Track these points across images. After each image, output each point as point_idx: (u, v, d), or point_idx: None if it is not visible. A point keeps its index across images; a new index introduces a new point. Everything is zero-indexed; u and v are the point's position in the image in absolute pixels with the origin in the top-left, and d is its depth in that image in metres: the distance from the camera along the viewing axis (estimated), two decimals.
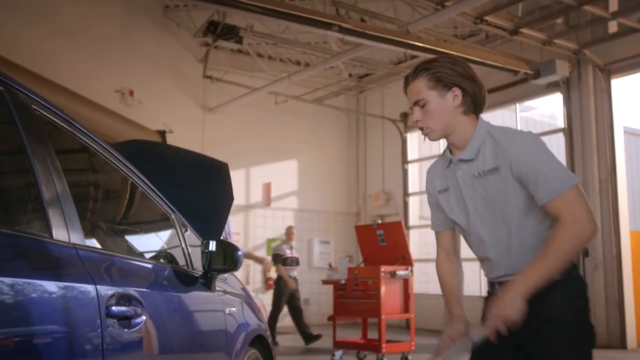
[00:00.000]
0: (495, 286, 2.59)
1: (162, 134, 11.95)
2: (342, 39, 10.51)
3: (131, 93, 12.33)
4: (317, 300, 14.80)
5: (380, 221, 10.28)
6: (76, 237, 2.28)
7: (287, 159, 14.81)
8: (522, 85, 12.39)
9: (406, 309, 9.08)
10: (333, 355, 9.12)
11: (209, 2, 8.91)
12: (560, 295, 2.41)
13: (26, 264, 1.97)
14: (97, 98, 10.35)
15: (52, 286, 2.02)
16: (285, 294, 11.46)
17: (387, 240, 9.42)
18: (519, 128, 13.33)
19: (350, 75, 15.74)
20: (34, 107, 2.35)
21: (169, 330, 2.89)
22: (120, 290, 2.41)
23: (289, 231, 12.08)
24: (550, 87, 12.19)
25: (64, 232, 2.22)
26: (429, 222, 2.85)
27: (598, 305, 10.99)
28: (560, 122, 12.44)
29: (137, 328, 2.48)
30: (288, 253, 11.63)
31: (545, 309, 2.40)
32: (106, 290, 2.31)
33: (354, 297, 9.04)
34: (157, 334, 2.71)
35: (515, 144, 2.43)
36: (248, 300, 4.21)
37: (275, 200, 14.85)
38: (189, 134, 12.98)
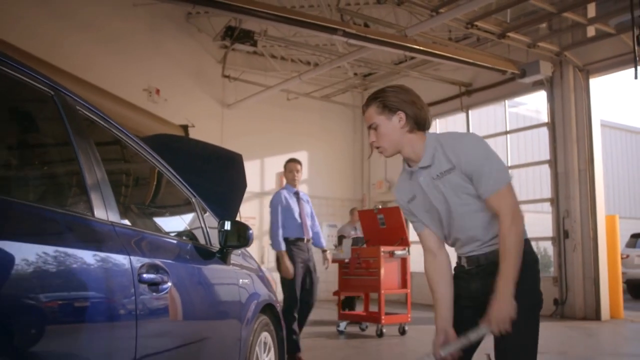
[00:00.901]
0: (462, 259, 2.82)
1: (185, 128, 12.07)
2: (347, 42, 10.64)
3: (157, 91, 12.48)
4: (325, 278, 14.83)
5: (381, 206, 10.42)
6: (113, 216, 2.50)
7: (298, 150, 14.89)
8: (510, 83, 12.48)
9: (404, 284, 9.25)
10: (338, 325, 9.31)
11: (227, 10, 9.05)
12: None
13: (74, 237, 2.18)
14: (128, 96, 10.49)
15: (95, 255, 2.24)
16: None
17: (387, 224, 9.57)
18: (507, 122, 13.55)
19: (355, 74, 15.78)
20: (77, 107, 2.56)
21: (190, 296, 3.10)
22: (149, 261, 2.63)
23: (353, 213, 11.68)
24: (536, 86, 12.28)
25: (103, 211, 2.43)
26: None
27: (576, 281, 11.18)
28: (545, 117, 12.50)
29: (163, 293, 2.69)
30: (353, 234, 11.03)
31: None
32: (138, 261, 2.53)
33: (357, 274, 9.20)
34: (180, 298, 2.93)
35: (463, 147, 2.66)
36: (259, 274, 4.39)
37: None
38: (209, 128, 13.08)
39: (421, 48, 10.59)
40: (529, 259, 2.66)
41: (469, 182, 2.65)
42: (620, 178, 24.36)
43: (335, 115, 16.28)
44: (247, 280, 3.99)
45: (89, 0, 11.68)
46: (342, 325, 9.28)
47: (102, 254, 2.28)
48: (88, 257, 2.19)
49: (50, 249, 1.99)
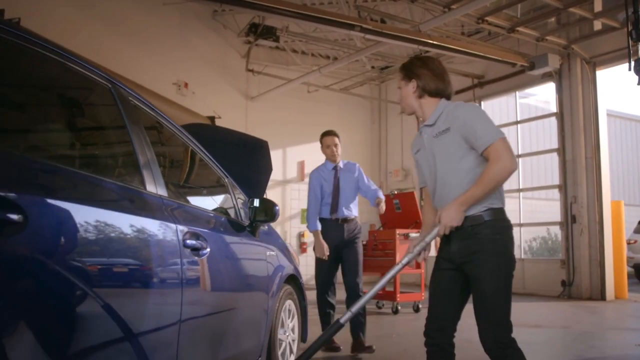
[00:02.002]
0: None
1: (212, 119, 12.35)
2: (364, 37, 10.91)
3: (186, 85, 12.82)
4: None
5: (396, 192, 10.70)
6: (161, 190, 2.84)
7: (318, 141, 15.19)
8: (520, 76, 12.67)
9: (417, 265, 9.54)
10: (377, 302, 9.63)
11: (252, 8, 9.36)
12: (484, 232, 2.95)
13: (133, 205, 2.53)
14: (159, 89, 10.79)
15: (148, 221, 2.59)
16: None
17: (402, 208, 9.88)
18: (518, 112, 13.73)
19: (372, 67, 15.99)
20: (130, 98, 2.92)
21: (225, 262, 3.45)
22: (191, 229, 2.97)
23: None
24: (545, 78, 12.46)
25: (153, 186, 2.78)
26: None
27: (583, 264, 11.40)
28: (553, 107, 12.69)
29: (203, 257, 3.04)
30: None
31: (473, 243, 2.97)
32: (182, 228, 2.88)
33: (374, 255, 9.49)
34: (217, 263, 3.28)
35: (460, 110, 3.03)
36: (284, 248, 4.74)
37: (308, 176, 15.14)
38: (234, 119, 13.36)
39: (435, 42, 10.83)
40: (503, 225, 3.00)
41: (461, 145, 2.99)
42: (627, 166, 24.40)
43: (353, 107, 16.52)
44: (273, 253, 4.33)
45: (122, 1, 12.04)
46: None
47: (154, 221, 2.64)
48: (143, 222, 2.55)
49: (114, 214, 2.35)
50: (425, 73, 3.17)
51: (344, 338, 5.64)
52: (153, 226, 2.62)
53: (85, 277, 2.10)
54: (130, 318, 2.34)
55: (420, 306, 9.32)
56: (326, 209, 6.13)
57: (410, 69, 3.23)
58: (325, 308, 6.08)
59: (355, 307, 3.24)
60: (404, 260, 3.16)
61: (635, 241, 15.77)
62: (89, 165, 2.59)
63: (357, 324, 5.84)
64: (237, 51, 14.42)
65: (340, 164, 6.25)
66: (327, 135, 6.29)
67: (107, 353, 2.24)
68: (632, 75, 7.13)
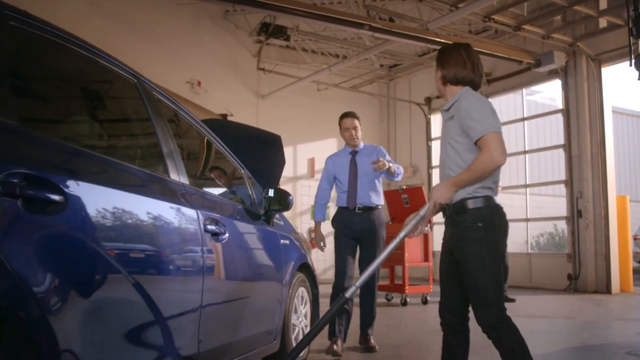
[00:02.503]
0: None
1: (224, 117, 12.48)
2: (373, 35, 11.05)
3: (199, 83, 12.98)
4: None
5: (405, 187, 10.82)
6: (183, 179, 3.01)
7: (328, 138, 15.18)
8: (527, 73, 12.76)
9: (426, 258, 9.69)
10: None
11: (264, 8, 9.53)
12: (466, 220, 3.14)
13: (158, 192, 2.70)
14: (172, 88, 10.94)
15: (172, 207, 2.76)
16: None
17: (410, 202, 9.99)
18: (525, 109, 13.83)
19: (381, 65, 16.08)
20: (153, 92, 3.09)
21: (242, 247, 3.62)
22: (211, 215, 3.15)
23: None
24: (551, 75, 12.55)
25: (176, 174, 2.95)
26: None
27: (589, 257, 11.51)
28: (560, 104, 12.79)
29: (223, 242, 3.21)
30: None
31: (458, 230, 3.17)
32: (203, 214, 3.05)
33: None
34: (235, 248, 3.45)
35: (465, 101, 3.19)
36: (297, 237, 4.90)
37: (318, 172, 15.10)
38: (245, 117, 13.38)
39: (442, 40, 10.93)
40: (487, 213, 3.16)
41: (459, 133, 3.17)
42: (633, 163, 24.42)
43: (362, 105, 16.57)
44: (287, 241, 4.49)
45: (137, 1, 12.22)
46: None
47: (178, 206, 2.81)
48: (168, 207, 2.73)
49: (143, 198, 2.54)
50: (449, 62, 3.34)
51: (352, 338, 5.66)
52: (177, 211, 2.79)
53: (116, 254, 2.28)
54: (155, 295, 2.51)
55: (428, 298, 9.44)
56: (343, 197, 5.58)
57: (440, 57, 3.42)
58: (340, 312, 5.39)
59: (360, 281, 3.38)
60: (402, 234, 3.35)
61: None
62: (120, 154, 2.76)
63: (367, 318, 5.59)
64: (248, 50, 14.53)
65: (360, 147, 5.67)
66: (346, 117, 5.66)
67: (136, 327, 2.41)
68: (634, 71, 7.21)
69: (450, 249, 3.24)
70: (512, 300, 9.29)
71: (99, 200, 2.22)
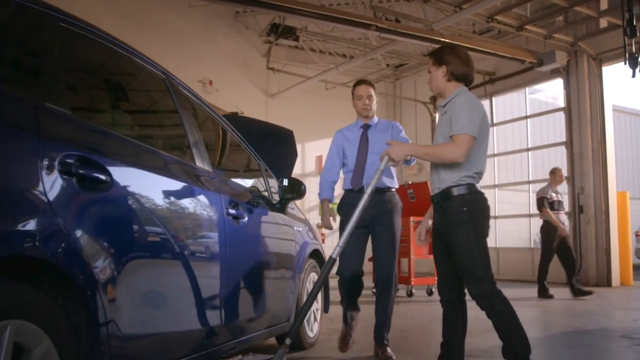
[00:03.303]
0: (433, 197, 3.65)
1: (235, 115, 12.73)
2: (379, 36, 11.28)
3: (210, 83, 13.23)
4: None
5: (410, 182, 11.03)
6: (207, 166, 3.27)
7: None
8: (530, 72, 12.95)
9: (431, 251, 9.88)
10: (374, 288, 9.94)
11: (274, 9, 9.78)
12: (452, 206, 3.43)
13: (186, 176, 2.96)
14: None
15: (198, 190, 3.02)
16: (555, 241, 9.49)
17: (416, 197, 10.22)
18: (528, 107, 14.02)
19: (387, 65, 16.29)
20: (180, 87, 3.35)
21: (260, 230, 3.88)
22: (233, 200, 3.41)
23: (555, 173, 9.85)
24: (553, 74, 12.76)
25: (201, 162, 3.21)
26: None
27: (590, 252, 11.73)
28: (562, 103, 13.00)
29: (243, 225, 3.47)
30: (554, 196, 9.60)
31: (444, 215, 3.47)
32: (225, 199, 3.31)
33: None
34: (253, 231, 3.71)
35: (460, 99, 3.47)
36: (309, 225, 5.14)
37: None
38: (254, 115, 13.43)
39: (447, 40, 11.16)
40: (470, 199, 3.44)
41: (449, 127, 3.43)
42: (633, 161, 24.55)
43: None
44: (299, 229, 4.74)
45: (151, 2, 12.49)
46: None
47: (204, 190, 3.08)
48: (195, 190, 2.99)
49: (174, 182, 2.80)
50: (454, 59, 3.58)
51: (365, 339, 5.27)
52: (203, 194, 3.06)
53: (150, 230, 2.55)
54: (184, 267, 2.78)
55: (433, 290, 9.66)
56: (349, 177, 4.73)
57: (441, 56, 3.62)
58: (347, 298, 4.70)
59: (342, 240, 3.65)
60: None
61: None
62: (153, 142, 3.01)
63: (381, 325, 4.60)
64: (257, 50, 14.80)
65: (374, 122, 4.87)
66: (361, 83, 4.95)
67: (165, 293, 2.67)
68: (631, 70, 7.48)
69: (440, 232, 3.52)
70: (587, 293, 9.21)
71: (137, 181, 2.49)
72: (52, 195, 1.96)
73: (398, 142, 3.58)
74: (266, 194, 4.29)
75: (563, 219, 9.65)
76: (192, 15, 13.15)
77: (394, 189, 4.78)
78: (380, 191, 4.53)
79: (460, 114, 3.37)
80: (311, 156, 15.53)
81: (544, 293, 9.37)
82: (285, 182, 4.33)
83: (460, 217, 3.38)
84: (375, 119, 4.91)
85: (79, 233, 2.05)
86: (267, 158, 4.74)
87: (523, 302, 8.52)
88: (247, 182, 4.24)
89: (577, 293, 9.21)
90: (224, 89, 13.54)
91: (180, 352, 2.81)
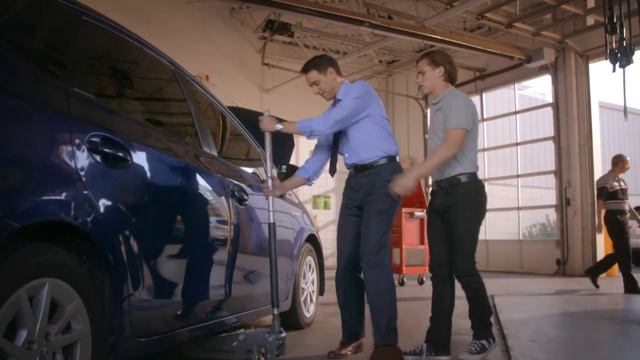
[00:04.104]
0: (433, 183, 3.99)
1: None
2: (372, 32, 11.51)
3: (207, 77, 13.38)
4: None
5: None
6: (212, 151, 3.50)
7: None
8: (518, 69, 13.20)
9: (422, 241, 10.14)
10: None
11: (271, 6, 10.00)
12: (460, 191, 3.80)
13: (196, 159, 3.19)
14: None
15: (205, 173, 3.25)
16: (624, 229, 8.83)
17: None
18: (517, 103, 14.28)
19: (380, 61, 16.46)
20: (186, 77, 3.57)
21: (261, 212, 4.09)
22: (236, 183, 3.64)
23: (620, 161, 8.98)
24: (541, 70, 13.00)
25: (207, 147, 3.44)
26: None
27: (576, 244, 12.02)
28: (549, 98, 13.25)
29: (246, 206, 3.70)
30: (616, 185, 8.76)
31: (452, 198, 3.80)
32: (230, 182, 3.54)
33: None
34: (255, 213, 3.94)
35: (456, 97, 3.82)
36: (305, 211, 5.37)
37: None
38: None
39: (438, 37, 11.44)
40: (476, 186, 3.86)
41: (444, 123, 3.77)
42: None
43: None
44: (297, 214, 4.98)
45: (150, 3, 12.68)
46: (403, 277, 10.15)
47: (211, 173, 3.31)
48: (203, 172, 3.22)
49: (184, 163, 3.02)
50: (449, 62, 3.96)
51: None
52: (210, 177, 3.29)
53: (163, 205, 2.77)
54: (194, 241, 3.01)
55: (424, 279, 9.91)
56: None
57: (437, 58, 3.95)
58: (338, 288, 4.18)
59: None
60: None
61: (630, 227, 16.28)
62: (164, 126, 3.24)
63: (374, 322, 3.85)
64: (253, 46, 14.97)
65: (342, 95, 4.17)
66: (302, 72, 4.36)
67: (180, 266, 2.90)
68: (630, 67, 7.84)
69: (440, 213, 3.85)
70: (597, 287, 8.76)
71: (152, 161, 2.72)
72: (81, 170, 2.19)
73: (399, 178, 3.74)
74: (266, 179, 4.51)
75: (626, 209, 8.79)
76: (189, 11, 13.33)
77: (383, 162, 3.95)
78: (364, 168, 4.00)
79: (457, 109, 3.73)
80: (305, 151, 15.67)
81: (634, 287, 8.24)
82: (284, 168, 4.56)
83: (466, 201, 3.77)
84: (343, 90, 4.21)
85: (103, 204, 2.28)
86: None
87: (507, 289, 8.76)
88: (248, 169, 4.46)
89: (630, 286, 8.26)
90: (220, 84, 13.68)
91: (189, 320, 3.05)
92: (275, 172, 4.65)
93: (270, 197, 3.85)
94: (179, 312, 2.93)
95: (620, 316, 5.80)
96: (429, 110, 4.53)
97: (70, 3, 2.52)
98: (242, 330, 3.67)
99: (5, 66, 2.02)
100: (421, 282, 9.93)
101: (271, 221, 3.79)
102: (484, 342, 3.76)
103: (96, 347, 2.22)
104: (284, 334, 3.57)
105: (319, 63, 4.20)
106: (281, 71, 14.90)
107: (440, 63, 3.93)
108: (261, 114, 4.59)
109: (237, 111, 6.61)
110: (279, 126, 3.98)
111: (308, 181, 4.33)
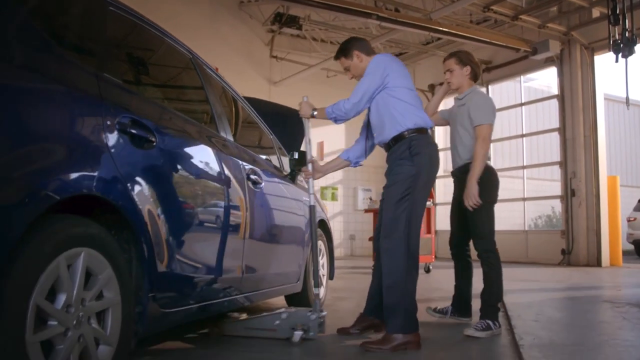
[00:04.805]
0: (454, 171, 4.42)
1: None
2: (380, 25, 11.63)
3: (216, 69, 13.58)
4: (361, 236, 16.01)
5: None
6: (229, 136, 3.66)
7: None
8: (524, 61, 13.29)
9: (428, 230, 10.26)
10: (373, 266, 10.30)
11: None
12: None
13: (214, 143, 3.34)
14: None
15: (223, 155, 3.40)
16: None
17: None
18: (523, 95, 14.43)
19: None
20: (204, 66, 3.73)
21: (274, 196, 4.25)
22: (252, 167, 3.79)
23: None
24: (547, 62, 13.10)
25: (224, 132, 3.59)
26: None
27: (581, 233, 12.14)
28: (555, 90, 13.36)
29: (260, 189, 3.86)
30: None
31: (464, 185, 4.15)
32: (246, 165, 3.70)
33: None
34: (269, 196, 4.09)
35: (478, 96, 4.24)
36: (316, 196, 5.50)
37: (327, 155, 15.48)
38: None
39: (445, 29, 11.56)
40: (493, 179, 4.28)
41: (468, 118, 4.16)
42: (624, 149, 24.91)
43: None
44: (307, 198, 5.11)
45: None
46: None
47: (229, 157, 3.46)
48: (221, 155, 3.37)
49: (204, 147, 3.18)
50: (474, 62, 4.38)
51: None
52: (228, 160, 3.44)
53: (185, 185, 2.93)
54: (214, 219, 3.17)
55: (431, 267, 10.05)
56: None
57: (464, 58, 4.37)
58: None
59: None
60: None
61: (635, 219, 16.40)
62: (185, 111, 3.39)
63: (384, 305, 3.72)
64: (261, 39, 15.10)
65: None
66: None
67: (201, 243, 3.06)
68: (633, 59, 8.00)
69: (459, 200, 4.22)
70: None
71: (175, 143, 2.88)
72: (112, 149, 2.35)
73: (467, 186, 4.06)
74: (278, 165, 4.67)
75: None
76: (198, 5, 13.50)
77: (403, 136, 3.76)
78: (388, 147, 3.93)
79: (482, 107, 4.15)
80: (312, 142, 15.75)
81: None
82: (296, 154, 4.71)
83: (484, 187, 4.08)
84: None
85: (131, 182, 2.44)
86: (276, 135, 5.11)
87: (513, 277, 8.91)
88: (262, 152, 4.62)
89: None
90: (229, 76, 13.50)
91: (209, 295, 3.21)
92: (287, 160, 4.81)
93: (310, 180, 4.16)
94: (199, 287, 3.09)
95: (622, 300, 5.93)
96: (445, 103, 4.84)
97: None
98: (283, 309, 3.85)
99: (48, 54, 2.17)
100: (428, 270, 10.06)
101: (311, 203, 3.98)
102: (489, 322, 3.97)
103: (125, 315, 2.38)
104: (324, 313, 3.80)
105: (345, 48, 4.24)
106: (289, 64, 15.05)
107: (467, 62, 4.36)
108: (274, 103, 4.74)
109: (250, 101, 6.78)
110: (315, 112, 4.17)
111: (350, 163, 4.40)
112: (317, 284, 3.97)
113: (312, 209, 4.15)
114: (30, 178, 1.91)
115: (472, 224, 4.20)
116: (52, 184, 1.99)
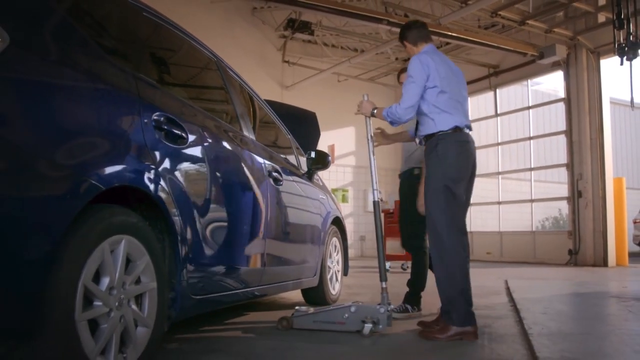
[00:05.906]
0: None
1: None
2: (390, 30, 11.75)
3: None
4: (372, 237, 16.08)
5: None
6: (251, 135, 3.79)
7: (347, 126, 15.86)
8: (531, 65, 13.43)
9: None
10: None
11: (293, 5, 10.28)
12: None
13: (239, 141, 3.48)
14: None
15: (246, 153, 3.54)
16: None
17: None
18: (530, 98, 14.49)
19: (396, 58, 16.58)
20: (227, 69, 3.87)
21: (293, 193, 4.38)
22: (273, 165, 3.93)
23: None
24: (554, 67, 13.18)
25: (247, 131, 3.73)
26: None
27: (587, 234, 12.21)
28: (562, 94, 13.43)
29: (281, 187, 3.99)
30: None
31: None
32: (268, 164, 3.83)
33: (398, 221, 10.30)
34: (289, 193, 4.23)
35: None
36: (330, 194, 5.65)
37: (338, 158, 15.81)
38: None
39: (454, 34, 11.68)
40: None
41: None
42: (630, 153, 24.87)
43: (379, 95, 17.14)
44: (324, 197, 5.25)
45: (177, 0, 13.00)
46: (387, 265, 10.41)
47: (252, 154, 3.60)
48: (245, 153, 3.51)
49: (230, 144, 3.32)
50: None
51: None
52: (251, 157, 3.58)
53: (214, 179, 3.06)
54: (239, 212, 3.30)
55: (407, 267, 10.26)
56: None
57: None
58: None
59: None
60: None
61: None
62: (212, 111, 3.54)
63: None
64: (273, 44, 15.27)
65: None
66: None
67: (227, 236, 3.19)
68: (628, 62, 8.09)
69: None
70: None
71: (205, 140, 3.01)
72: (149, 144, 2.49)
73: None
74: (296, 164, 4.81)
75: None
76: (213, 10, 13.66)
77: (418, 137, 4.08)
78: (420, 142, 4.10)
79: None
80: (324, 146, 15.87)
81: None
82: (313, 154, 4.85)
83: None
84: None
85: (166, 175, 2.58)
86: (294, 135, 5.24)
87: (521, 275, 8.98)
88: (281, 152, 4.75)
89: None
90: None
91: (234, 285, 3.35)
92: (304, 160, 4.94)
93: (374, 175, 4.15)
94: (226, 276, 3.23)
95: (628, 296, 6.02)
96: None
97: (133, 1, 2.82)
98: (351, 303, 3.97)
99: (94, 57, 2.31)
100: (405, 269, 10.19)
101: (375, 199, 4.09)
102: (408, 306, 4.61)
103: (160, 299, 2.52)
104: (392, 306, 3.92)
105: (400, 36, 4.20)
106: (301, 68, 15.19)
107: None
108: (291, 106, 4.85)
109: (268, 103, 6.92)
110: (375, 111, 4.23)
111: (414, 138, 4.29)
112: (383, 278, 3.95)
113: (376, 204, 4.11)
114: (79, 170, 2.04)
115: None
116: (98, 175, 2.12)
